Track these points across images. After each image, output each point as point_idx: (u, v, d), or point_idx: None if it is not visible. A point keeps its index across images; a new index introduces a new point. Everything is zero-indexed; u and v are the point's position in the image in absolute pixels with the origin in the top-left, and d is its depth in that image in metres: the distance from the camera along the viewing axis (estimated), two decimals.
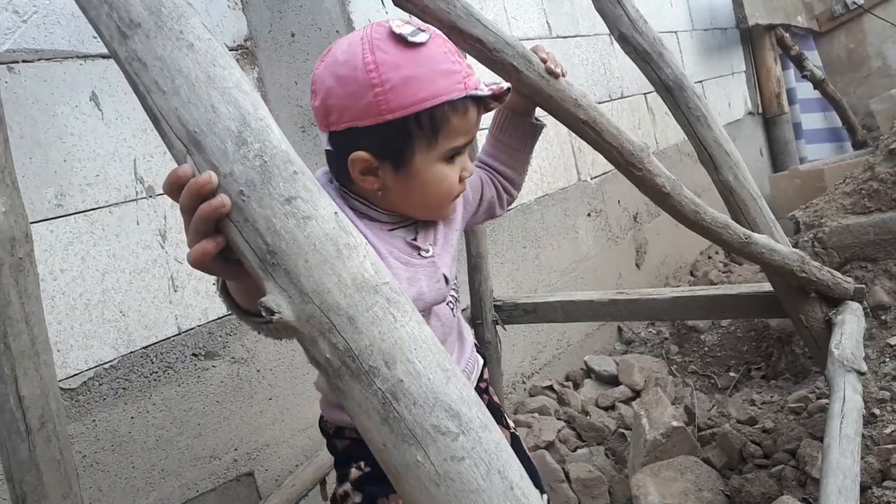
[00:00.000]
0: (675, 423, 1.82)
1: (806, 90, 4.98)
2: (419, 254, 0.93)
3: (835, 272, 1.52)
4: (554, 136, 2.76)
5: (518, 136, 1.10)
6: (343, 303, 0.55)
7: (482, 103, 0.87)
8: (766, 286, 1.65)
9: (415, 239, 0.94)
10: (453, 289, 1.01)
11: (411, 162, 0.84)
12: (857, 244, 1.92)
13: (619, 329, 2.97)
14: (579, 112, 1.16)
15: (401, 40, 0.80)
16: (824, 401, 1.81)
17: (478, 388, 1.06)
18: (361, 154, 0.83)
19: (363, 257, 0.57)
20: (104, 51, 1.45)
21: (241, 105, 0.58)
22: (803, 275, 1.46)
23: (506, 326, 1.97)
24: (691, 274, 3.59)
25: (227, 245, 0.59)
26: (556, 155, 2.75)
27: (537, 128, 1.12)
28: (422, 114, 0.81)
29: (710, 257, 3.83)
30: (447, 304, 0.99)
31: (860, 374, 1.28)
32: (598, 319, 1.91)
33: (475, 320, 1.96)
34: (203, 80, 0.58)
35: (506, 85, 0.89)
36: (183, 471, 1.46)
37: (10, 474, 0.93)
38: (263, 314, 0.55)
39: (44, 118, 1.34)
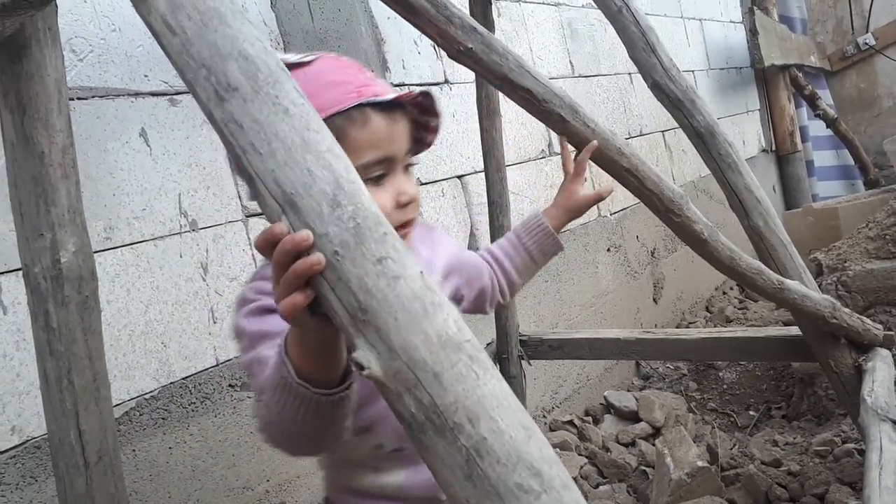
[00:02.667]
0: (699, 463, 1.83)
1: (818, 128, 5.03)
2: None
3: (864, 318, 1.54)
4: None
5: (540, 246, 1.13)
6: (429, 360, 0.58)
7: (400, 115, 0.82)
8: (794, 330, 1.66)
9: None
10: None
11: None
12: (881, 289, 1.94)
13: (637, 364, 2.98)
14: (622, 160, 1.19)
15: (289, 67, 0.73)
16: (851, 445, 1.82)
17: None
18: None
19: (447, 315, 0.60)
20: (154, 89, 1.49)
21: (335, 168, 0.61)
22: (834, 321, 1.48)
23: (531, 362, 1.99)
24: (707, 310, 3.60)
25: (315, 299, 0.62)
26: None
27: (559, 247, 1.15)
28: None
29: (724, 293, 3.85)
30: None
31: (895, 423, 1.29)
32: (625, 358, 1.93)
33: (500, 354, 1.98)
34: (298, 144, 0.62)
35: (418, 90, 0.83)
36: (217, 501, 1.47)
37: None
38: (353, 368, 0.58)
39: (95, 153, 1.38)
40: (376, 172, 0.82)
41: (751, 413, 2.49)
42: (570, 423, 2.41)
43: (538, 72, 1.10)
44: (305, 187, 0.60)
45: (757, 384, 2.61)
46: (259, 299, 0.80)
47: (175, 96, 1.52)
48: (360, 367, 0.58)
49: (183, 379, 1.46)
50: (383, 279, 0.59)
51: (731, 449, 2.14)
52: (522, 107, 1.12)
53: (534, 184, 2.59)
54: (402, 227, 0.84)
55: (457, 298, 1.03)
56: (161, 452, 1.40)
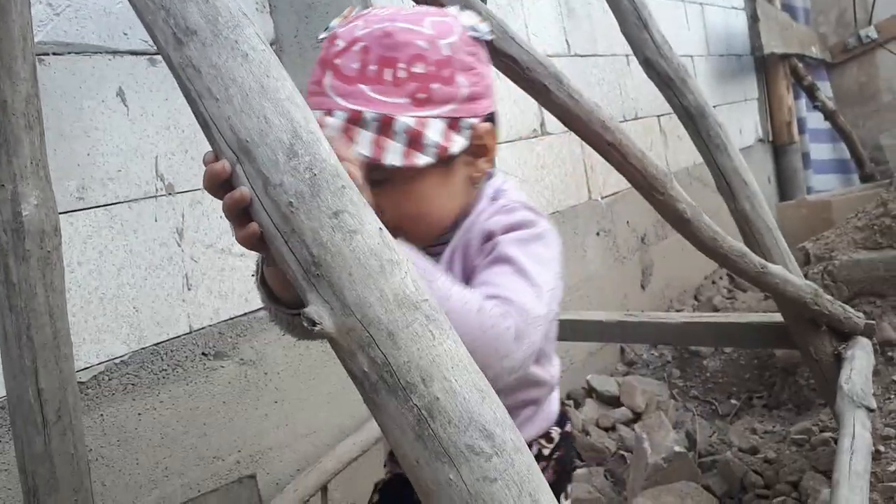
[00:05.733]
0: (676, 448, 1.82)
1: (816, 120, 5.00)
2: None
3: (846, 306, 1.53)
4: (568, 154, 2.77)
5: None
6: (384, 318, 0.56)
7: None
8: (776, 316, 1.66)
9: None
10: None
11: None
12: (866, 279, 1.93)
13: (622, 350, 2.97)
14: (606, 134, 1.17)
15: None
16: (828, 434, 1.81)
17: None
18: None
19: (405, 273, 0.58)
20: (133, 47, 1.46)
21: (293, 117, 0.59)
22: (816, 307, 1.47)
23: None
24: (695, 298, 3.59)
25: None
26: (567, 173, 2.76)
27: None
28: None
29: (714, 282, 3.84)
30: None
31: (870, 410, 1.28)
32: (607, 340, 1.92)
33: None
34: (256, 91, 0.59)
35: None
36: (186, 470, 1.46)
37: (23, 465, 0.93)
38: (304, 324, 0.56)
39: (70, 111, 1.35)
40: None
41: (732, 401, 2.48)
42: None
43: (522, 39, 1.07)
44: (261, 135, 0.58)
45: (740, 373, 2.61)
46: None
47: (155, 56, 1.49)
48: (312, 324, 0.56)
49: (154, 345, 1.43)
50: (339, 233, 0.56)
51: (711, 436, 2.14)
52: (506, 75, 1.09)
53: (525, 163, 2.56)
54: None
55: None
56: (130, 418, 1.38)
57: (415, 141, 0.71)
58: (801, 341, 1.56)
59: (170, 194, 1.48)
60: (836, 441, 1.77)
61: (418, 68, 0.72)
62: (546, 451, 0.94)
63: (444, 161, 0.74)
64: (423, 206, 0.77)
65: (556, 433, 0.96)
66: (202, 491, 1.48)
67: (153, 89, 1.47)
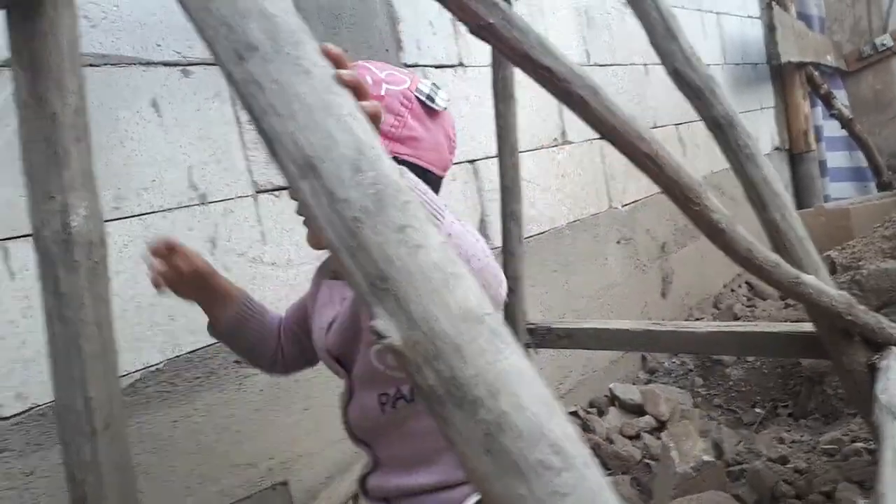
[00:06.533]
0: (706, 458, 1.81)
1: (832, 128, 4.98)
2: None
3: (880, 316, 1.52)
4: (588, 163, 2.77)
5: None
6: (450, 331, 0.56)
7: None
8: (805, 326, 1.64)
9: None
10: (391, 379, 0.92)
11: None
12: (894, 288, 1.92)
13: (643, 358, 2.96)
14: (642, 145, 1.17)
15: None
16: (860, 444, 1.80)
17: None
18: None
19: (468, 287, 0.58)
20: (167, 58, 1.47)
21: (356, 133, 0.60)
22: (850, 318, 1.45)
23: (538, 351, 1.98)
24: (715, 307, 3.58)
25: None
26: (588, 181, 2.77)
27: None
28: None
29: (733, 290, 3.82)
30: (379, 399, 0.93)
31: None
32: (633, 349, 1.91)
33: None
34: (320, 107, 0.60)
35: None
36: (220, 477, 1.46)
37: (72, 474, 0.94)
38: (372, 337, 0.56)
39: (107, 122, 1.37)
40: None
41: (756, 410, 2.47)
42: (575, 413, 2.40)
43: (559, 51, 1.08)
44: (326, 150, 0.58)
45: (764, 382, 2.59)
46: None
47: (188, 67, 1.50)
48: (380, 336, 0.56)
49: (189, 353, 1.44)
50: (404, 248, 0.57)
51: (737, 445, 2.13)
52: (543, 85, 1.10)
53: (546, 172, 2.56)
54: None
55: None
56: (165, 426, 1.39)
57: None
58: (834, 351, 1.55)
59: (203, 204, 1.49)
60: (868, 451, 1.76)
61: None
62: None
63: None
64: None
65: None
66: (236, 498, 1.49)
67: (186, 100, 1.49)
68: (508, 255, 1.89)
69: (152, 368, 1.38)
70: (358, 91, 0.64)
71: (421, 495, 0.93)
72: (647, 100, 3.24)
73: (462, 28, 2.32)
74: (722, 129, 1.53)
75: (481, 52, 2.28)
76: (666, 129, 3.36)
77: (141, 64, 1.44)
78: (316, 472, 1.63)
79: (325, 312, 0.98)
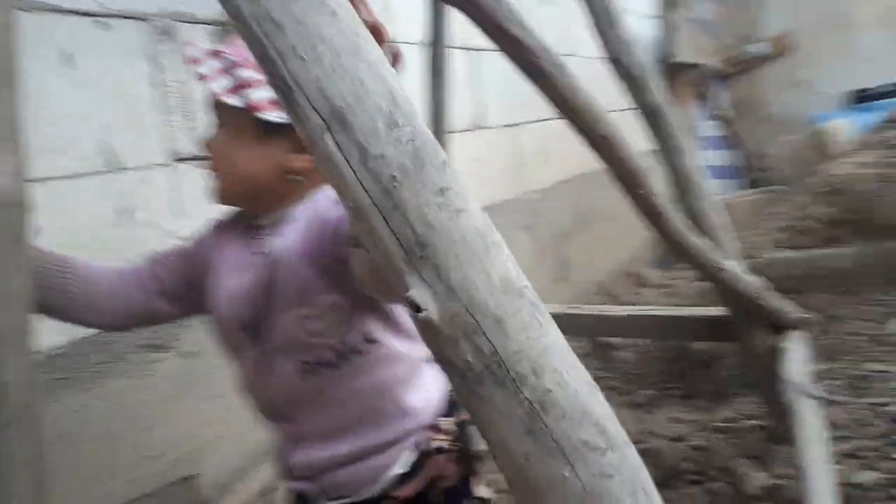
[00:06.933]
0: None
1: (712, 128, 5.34)
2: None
3: (786, 302, 1.63)
4: (502, 150, 2.79)
5: None
6: (491, 303, 0.52)
7: None
8: (713, 310, 1.74)
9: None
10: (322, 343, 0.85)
11: None
12: (785, 276, 2.07)
13: None
14: (598, 126, 1.17)
15: None
16: (754, 422, 1.93)
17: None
18: None
19: (507, 257, 0.54)
20: (84, 7, 1.31)
21: (388, 82, 0.54)
22: (761, 302, 1.55)
23: None
24: (605, 293, 3.73)
25: None
26: (501, 168, 2.78)
27: None
28: None
29: (618, 278, 4.00)
30: (301, 367, 0.86)
31: (814, 398, 1.37)
32: None
33: None
34: (349, 51, 0.53)
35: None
36: (127, 468, 1.34)
37: None
38: (407, 309, 0.51)
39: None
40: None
41: (650, 392, 2.59)
42: None
43: (528, 23, 1.06)
44: (357, 100, 0.52)
45: (655, 365, 2.72)
46: None
47: (106, 19, 1.34)
48: (417, 309, 0.51)
49: (93, 335, 1.30)
50: (445, 211, 0.52)
51: (636, 426, 2.22)
52: (512, 58, 1.07)
53: (463, 156, 2.54)
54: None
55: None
56: (68, 414, 1.25)
57: (238, 87, 0.82)
58: (744, 334, 1.65)
59: (116, 171, 1.35)
60: (762, 428, 1.89)
61: None
62: (441, 445, 0.90)
63: (263, 126, 0.83)
64: (237, 159, 0.86)
65: (447, 424, 0.92)
66: (144, 490, 1.36)
67: (102, 55, 1.33)
68: None
69: (54, 351, 1.23)
70: (377, 35, 0.59)
71: (347, 466, 0.88)
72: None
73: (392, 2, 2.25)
74: (655, 118, 1.57)
75: (403, 26, 2.22)
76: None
77: (54, 10, 1.27)
78: (227, 461, 1.53)
79: (235, 279, 0.89)
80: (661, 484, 1.85)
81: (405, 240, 0.52)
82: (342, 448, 0.88)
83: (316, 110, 0.53)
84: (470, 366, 0.52)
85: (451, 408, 0.94)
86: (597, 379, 2.22)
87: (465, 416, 0.93)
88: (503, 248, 0.54)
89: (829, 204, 1.99)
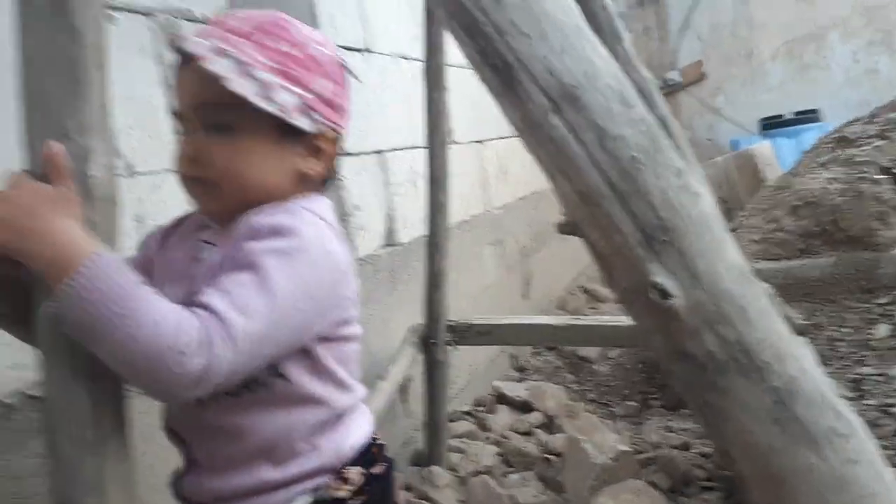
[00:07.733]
0: (622, 447, 1.88)
1: None
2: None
3: (790, 308, 1.69)
4: (469, 165, 2.79)
5: None
6: (735, 291, 0.50)
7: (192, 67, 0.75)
8: None
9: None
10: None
11: None
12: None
13: (511, 357, 3.03)
14: None
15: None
16: None
17: None
18: None
19: (733, 243, 0.53)
20: None
21: (611, 62, 0.52)
22: None
23: (457, 348, 1.93)
24: (562, 308, 3.78)
25: None
26: (470, 183, 2.78)
27: None
28: None
29: (572, 294, 4.06)
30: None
31: None
32: (555, 344, 1.94)
33: (430, 339, 1.89)
34: (573, 29, 0.51)
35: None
36: None
37: None
38: (652, 296, 0.49)
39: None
40: (181, 122, 0.79)
41: (629, 403, 2.62)
42: (469, 413, 2.38)
43: None
44: (589, 79, 0.49)
45: (629, 376, 2.77)
46: None
47: (108, 11, 1.25)
48: (665, 296, 0.48)
49: None
50: (685, 194, 0.50)
51: (633, 437, 2.24)
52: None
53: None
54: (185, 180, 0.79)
55: None
56: None
57: (265, 90, 0.74)
58: None
59: (128, 176, 1.25)
60: None
61: (285, 46, 0.77)
62: (340, 495, 0.83)
63: (282, 131, 0.77)
64: (247, 165, 0.78)
65: (355, 473, 0.85)
66: None
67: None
68: (434, 249, 1.82)
69: None
70: None
71: (236, 501, 0.82)
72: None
73: (371, 13, 2.21)
74: (664, 130, 1.60)
75: (388, 40, 2.20)
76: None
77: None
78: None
79: (175, 288, 0.78)
80: (672, 491, 1.89)
81: (647, 224, 0.49)
82: (232, 481, 0.81)
83: (542, 90, 0.50)
84: (712, 357, 0.50)
85: (365, 460, 0.87)
86: (574, 392, 2.22)
87: (377, 469, 0.86)
88: (728, 235, 0.53)
89: (801, 217, 2.09)
